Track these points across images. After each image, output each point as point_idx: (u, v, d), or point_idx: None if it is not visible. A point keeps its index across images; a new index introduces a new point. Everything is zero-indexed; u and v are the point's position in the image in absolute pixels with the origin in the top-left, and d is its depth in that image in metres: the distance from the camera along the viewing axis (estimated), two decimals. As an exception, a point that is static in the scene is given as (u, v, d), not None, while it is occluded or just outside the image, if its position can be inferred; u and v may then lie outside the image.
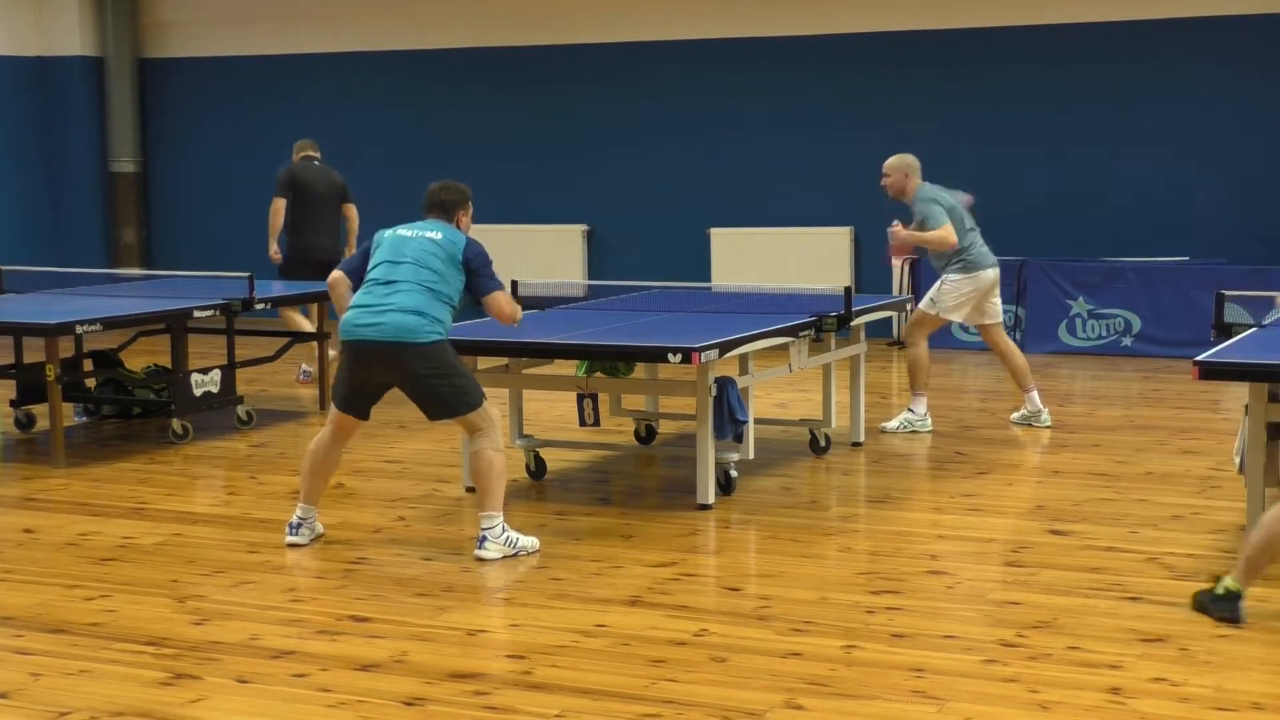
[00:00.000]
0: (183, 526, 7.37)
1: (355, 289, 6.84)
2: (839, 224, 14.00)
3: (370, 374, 6.73)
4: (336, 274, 6.97)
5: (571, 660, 5.31)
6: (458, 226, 6.89)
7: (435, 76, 15.65)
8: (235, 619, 5.85)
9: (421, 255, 6.70)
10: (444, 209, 6.93)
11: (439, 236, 6.77)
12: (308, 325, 11.46)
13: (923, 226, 9.28)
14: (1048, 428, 9.55)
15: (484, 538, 6.64)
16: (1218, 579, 5.74)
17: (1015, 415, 9.75)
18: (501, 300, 6.88)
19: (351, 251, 12.11)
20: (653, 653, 5.36)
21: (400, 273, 6.66)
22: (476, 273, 6.80)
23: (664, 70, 14.81)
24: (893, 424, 9.42)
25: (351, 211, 12.16)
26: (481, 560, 6.58)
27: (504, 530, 6.66)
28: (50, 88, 16.48)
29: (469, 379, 6.74)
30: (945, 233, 9.25)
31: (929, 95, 13.90)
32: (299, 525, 6.90)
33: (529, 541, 6.74)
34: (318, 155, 12.27)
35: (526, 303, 9.89)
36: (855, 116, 14.11)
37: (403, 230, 6.86)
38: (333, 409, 6.90)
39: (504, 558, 6.60)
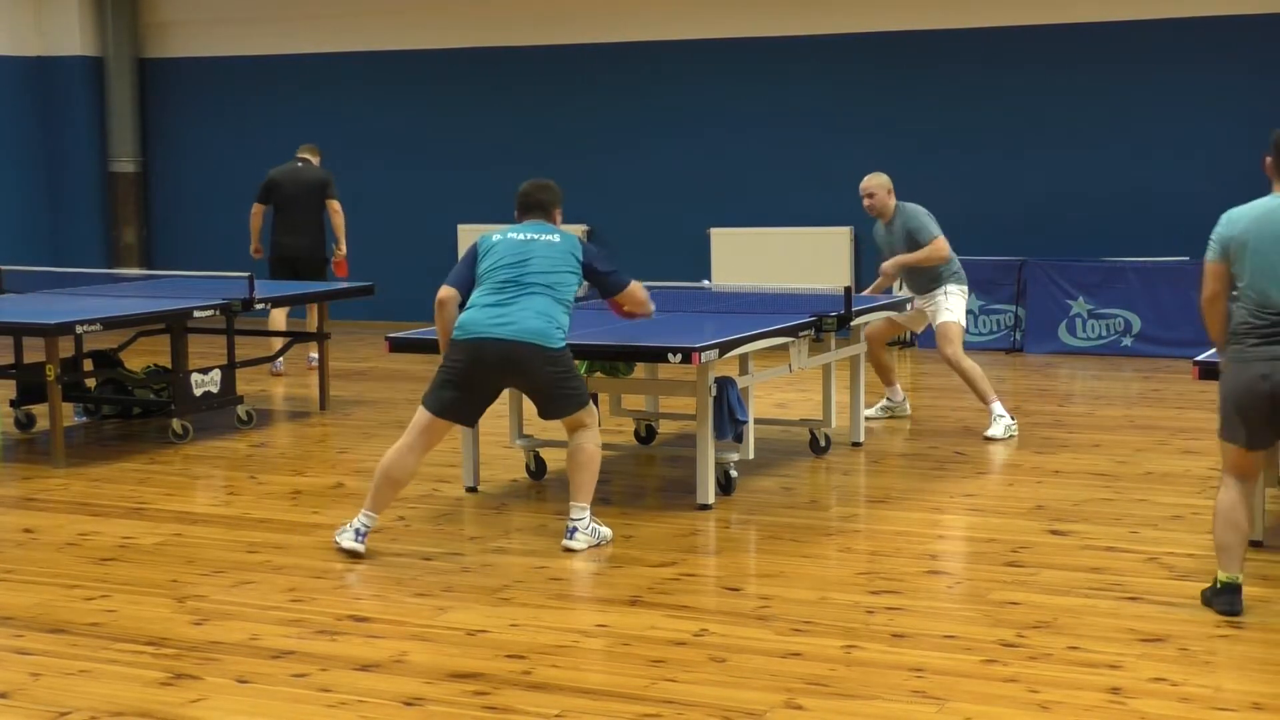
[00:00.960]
0: (183, 526, 7.37)
1: (463, 303, 6.82)
2: (839, 224, 14.00)
3: (492, 374, 6.70)
4: (448, 291, 6.83)
5: (571, 660, 5.31)
6: (554, 223, 6.98)
7: (435, 76, 15.65)
8: (235, 619, 5.85)
9: (546, 260, 6.74)
10: (544, 209, 6.98)
11: (557, 239, 6.83)
12: (283, 326, 11.62)
13: (913, 240, 9.26)
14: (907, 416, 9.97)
15: (574, 529, 6.74)
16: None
17: (875, 409, 9.91)
18: (637, 292, 7.07)
19: (341, 249, 12.23)
20: (653, 653, 5.36)
21: (528, 277, 6.68)
22: (602, 272, 6.93)
23: (664, 70, 14.81)
24: (998, 432, 9.21)
25: (334, 207, 12.23)
26: (570, 550, 6.68)
27: (591, 522, 6.79)
28: (50, 88, 16.49)
29: (581, 381, 6.88)
30: (940, 244, 9.28)
31: (929, 95, 13.90)
32: (364, 533, 6.69)
33: (606, 531, 6.88)
34: (310, 157, 12.45)
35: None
36: (855, 116, 14.11)
37: (514, 234, 6.84)
38: (424, 416, 6.70)
39: (589, 547, 6.73)
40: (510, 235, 6.85)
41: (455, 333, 6.69)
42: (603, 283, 7.03)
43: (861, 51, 14.12)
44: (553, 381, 6.69)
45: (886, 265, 9.40)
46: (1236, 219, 5.82)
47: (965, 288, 9.54)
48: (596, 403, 7.97)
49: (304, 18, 16.16)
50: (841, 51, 14.18)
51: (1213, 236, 5.87)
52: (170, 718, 4.85)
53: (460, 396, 6.72)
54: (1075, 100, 13.44)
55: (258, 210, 12.32)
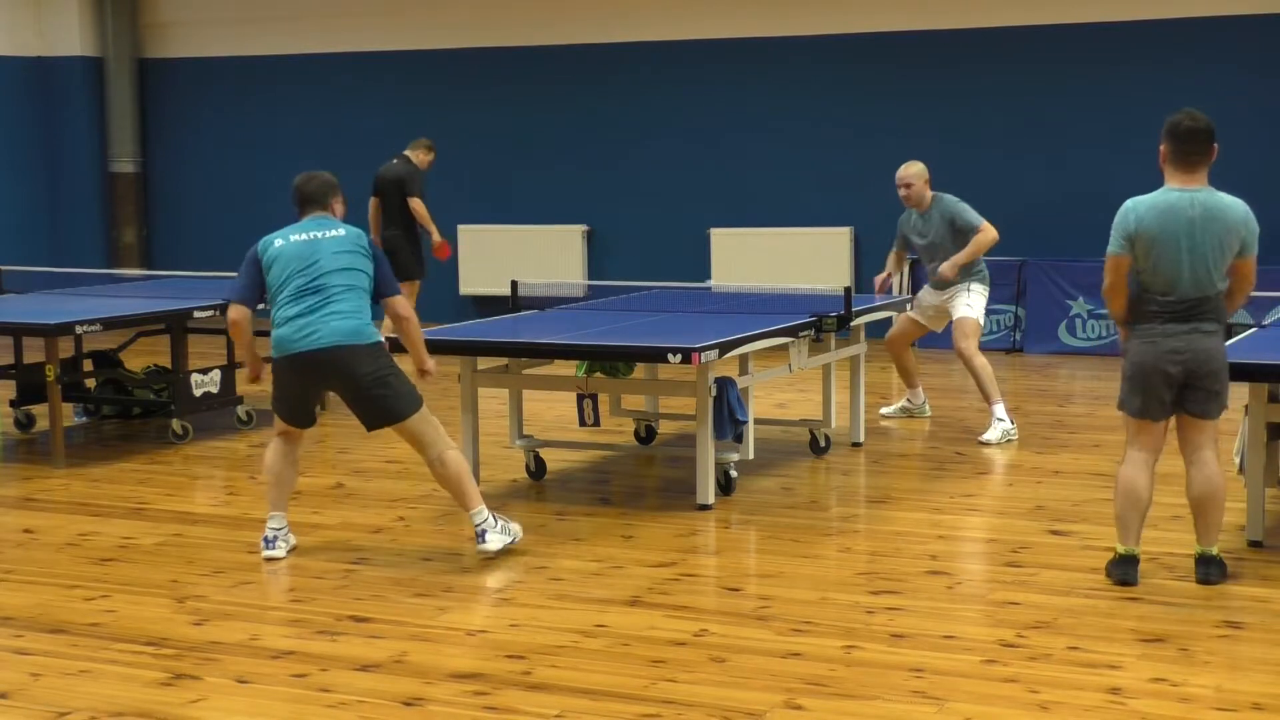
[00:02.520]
0: (183, 526, 7.37)
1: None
2: (839, 224, 14.00)
3: (313, 385, 6.68)
4: (238, 310, 6.72)
5: (571, 660, 5.31)
6: (333, 215, 6.80)
7: (435, 76, 15.65)
8: (235, 619, 5.85)
9: (335, 256, 6.57)
10: (318, 202, 6.79)
11: (342, 233, 6.67)
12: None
13: (954, 230, 9.26)
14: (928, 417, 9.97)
15: (483, 532, 6.60)
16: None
17: (894, 409, 9.93)
18: (405, 305, 6.82)
19: (434, 237, 12.42)
20: (653, 653, 5.36)
21: (322, 279, 6.52)
22: (381, 269, 6.72)
23: (664, 70, 14.81)
24: (993, 436, 9.18)
25: (411, 204, 12.45)
26: (488, 554, 6.58)
27: (495, 518, 6.65)
28: (50, 88, 16.48)
29: (406, 381, 6.63)
30: (989, 228, 9.29)
31: (929, 95, 13.90)
32: (275, 538, 6.73)
33: (517, 526, 6.77)
34: (409, 154, 12.68)
35: (526, 303, 9.87)
36: (856, 116, 14.11)
37: (295, 235, 6.66)
38: (278, 422, 6.76)
39: (505, 546, 6.62)
40: (292, 238, 6.64)
41: (273, 352, 6.58)
42: (379, 279, 6.71)
43: (862, 51, 14.11)
44: (371, 381, 6.48)
45: (945, 268, 9.27)
46: (1142, 213, 5.97)
47: (988, 289, 9.56)
48: (597, 403, 7.97)
49: (304, 18, 16.16)
50: (841, 51, 14.17)
51: (1114, 229, 6.03)
52: (170, 718, 4.85)
53: (295, 408, 6.68)
54: (1075, 100, 13.44)
55: (371, 204, 12.65)
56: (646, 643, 5.48)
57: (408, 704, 4.91)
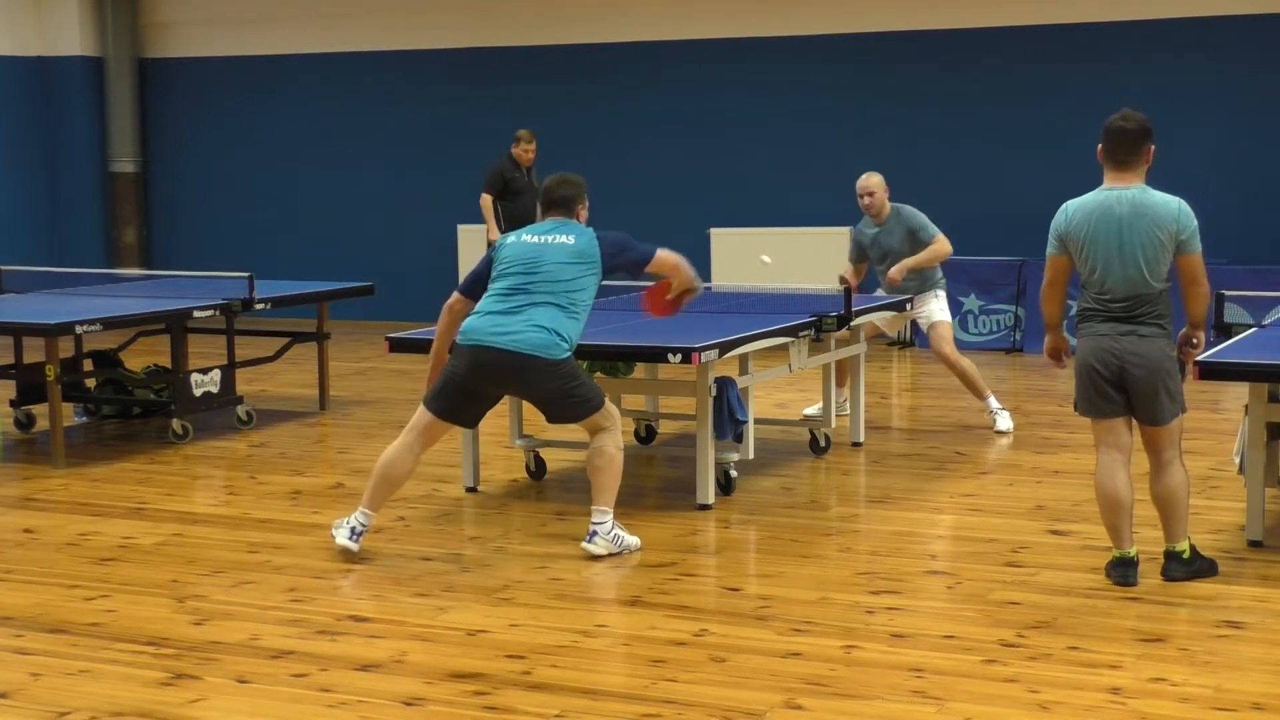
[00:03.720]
0: (183, 526, 7.37)
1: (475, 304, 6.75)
2: (839, 224, 13.98)
3: (490, 383, 6.62)
4: (457, 299, 6.78)
5: (571, 660, 5.31)
6: (579, 221, 6.83)
7: (435, 76, 15.65)
8: (235, 619, 5.85)
9: (556, 265, 6.59)
10: (565, 205, 6.83)
11: (571, 240, 6.66)
12: None
13: (913, 239, 9.29)
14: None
15: (594, 532, 6.62)
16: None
17: (815, 409, 9.69)
18: (668, 258, 6.92)
19: (494, 235, 12.36)
20: (653, 653, 5.36)
21: (535, 285, 6.55)
22: (625, 257, 6.76)
23: (664, 70, 14.82)
24: (1007, 425, 9.35)
25: (482, 199, 12.72)
26: (589, 554, 6.58)
27: (613, 527, 6.65)
28: (50, 88, 16.49)
29: (589, 385, 6.69)
30: (944, 240, 9.41)
31: (929, 95, 13.90)
32: (360, 532, 6.64)
33: (633, 541, 6.71)
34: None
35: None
36: (856, 116, 14.11)
37: (529, 236, 6.72)
38: (424, 415, 6.66)
39: (609, 555, 6.60)
40: (525, 238, 6.73)
41: (459, 337, 6.62)
42: (630, 265, 6.83)
43: (862, 51, 14.12)
44: (556, 393, 6.58)
45: (894, 272, 9.31)
46: (1072, 214, 6.09)
47: (946, 294, 9.73)
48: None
49: (304, 18, 16.16)
50: (842, 51, 14.18)
51: (1051, 231, 6.16)
52: (170, 718, 4.85)
53: (460, 401, 6.67)
54: (1075, 100, 13.43)
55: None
56: (646, 643, 5.48)
57: (408, 704, 4.91)
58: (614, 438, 6.71)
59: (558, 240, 6.68)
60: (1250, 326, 7.83)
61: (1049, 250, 6.18)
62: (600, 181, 14.85)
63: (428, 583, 6.31)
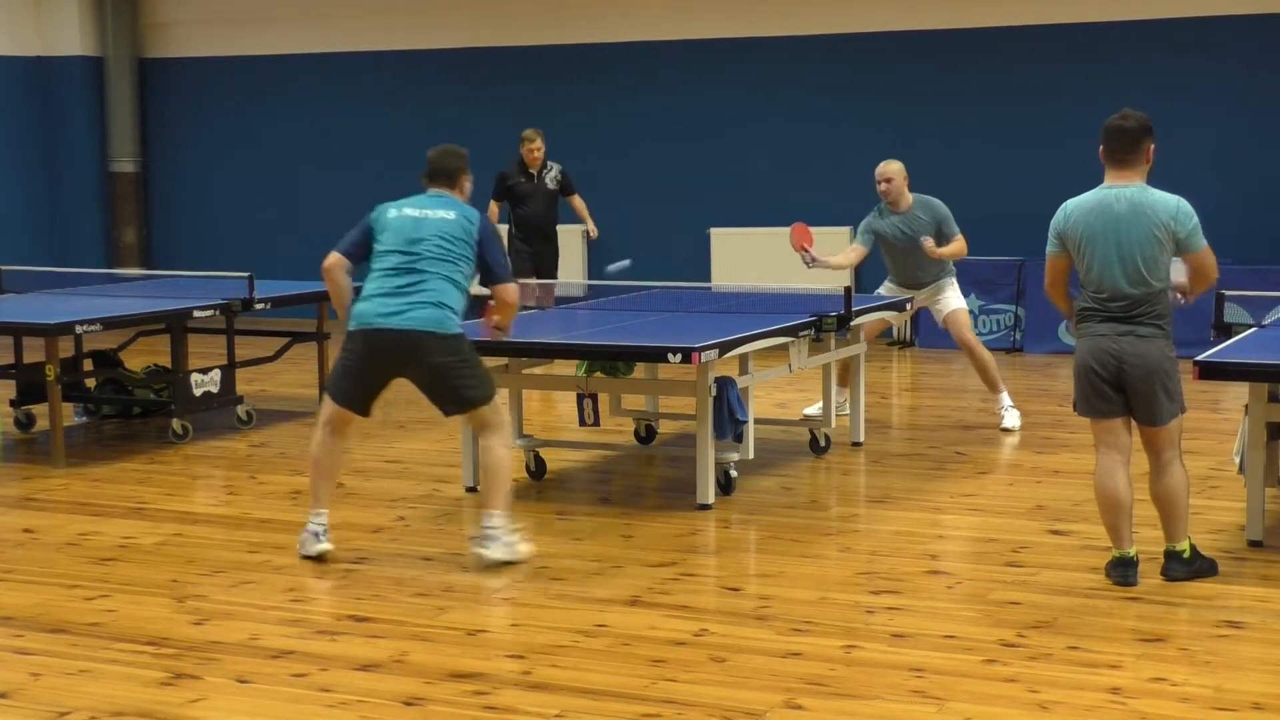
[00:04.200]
0: (183, 526, 7.37)
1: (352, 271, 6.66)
2: (839, 224, 13.98)
3: (386, 366, 6.55)
4: (334, 258, 6.64)
5: (571, 660, 5.31)
6: (460, 194, 6.72)
7: (435, 76, 15.65)
8: (235, 619, 5.85)
9: (440, 242, 6.49)
10: (449, 177, 6.72)
11: (453, 216, 6.56)
12: None
13: (940, 231, 9.33)
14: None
15: (486, 537, 6.52)
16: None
17: (815, 408, 9.62)
18: (513, 291, 6.73)
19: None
20: (653, 653, 5.36)
21: (420, 261, 6.45)
22: (489, 255, 6.62)
23: (664, 70, 14.81)
24: (1015, 423, 9.36)
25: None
26: (483, 558, 6.51)
27: (508, 531, 6.57)
28: (50, 88, 16.48)
29: (483, 375, 6.60)
30: (964, 242, 9.52)
31: (929, 95, 13.90)
32: (320, 534, 6.64)
33: (526, 548, 6.61)
34: None
35: (527, 304, 9.89)
36: (856, 116, 14.11)
37: (409, 209, 6.60)
38: (329, 406, 6.65)
39: (504, 560, 6.51)
40: (406, 211, 6.58)
41: (350, 323, 6.53)
42: (487, 269, 6.64)
43: (862, 51, 14.12)
44: (446, 371, 6.43)
45: (932, 246, 9.31)
46: (1071, 212, 6.10)
47: (956, 280, 9.79)
48: (597, 403, 7.97)
49: (304, 18, 16.16)
50: (842, 51, 14.17)
51: (1050, 230, 6.17)
52: (170, 718, 4.85)
53: (356, 386, 6.58)
54: (1075, 100, 13.42)
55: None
56: (647, 642, 5.48)
57: (408, 704, 4.91)
58: (504, 438, 6.59)
59: (438, 214, 6.56)
60: (1250, 326, 7.83)
61: (1048, 249, 6.19)
62: (600, 181, 14.94)
63: (428, 583, 6.31)
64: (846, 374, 9.59)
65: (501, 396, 8.52)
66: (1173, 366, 6.03)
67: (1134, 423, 6.09)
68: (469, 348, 6.55)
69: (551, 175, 12.40)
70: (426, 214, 6.57)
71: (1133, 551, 6.07)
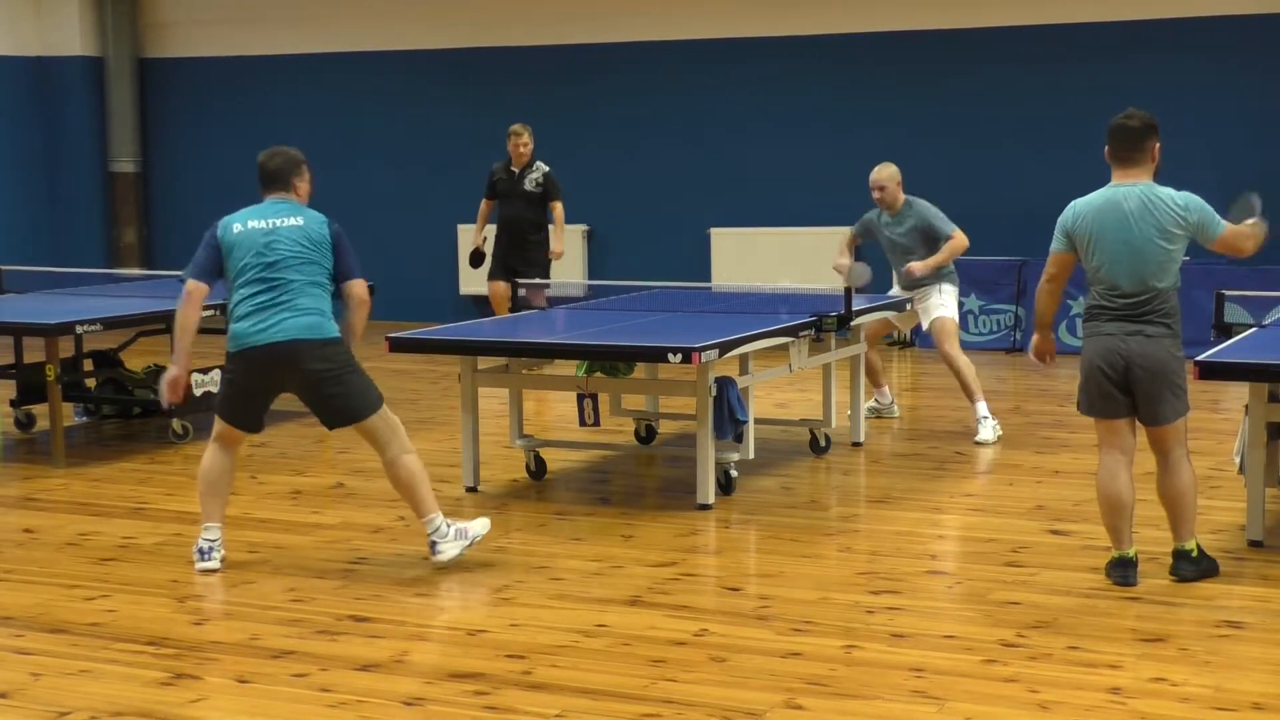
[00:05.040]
0: (183, 526, 7.36)
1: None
2: (839, 224, 13.97)
3: (267, 382, 6.43)
4: (196, 286, 6.48)
5: (571, 660, 5.31)
6: (297, 196, 6.58)
7: (435, 76, 15.65)
8: (235, 619, 5.85)
9: (296, 249, 6.37)
10: (281, 180, 6.57)
11: (301, 222, 6.44)
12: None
13: (928, 236, 9.28)
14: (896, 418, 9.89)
15: (434, 543, 6.44)
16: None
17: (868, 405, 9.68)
18: (363, 287, 6.56)
19: (476, 239, 11.98)
20: (653, 653, 5.36)
21: (280, 274, 6.34)
22: (344, 254, 6.48)
23: (664, 70, 14.81)
24: (988, 436, 9.18)
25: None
26: (442, 564, 6.44)
27: (449, 526, 6.47)
28: (50, 88, 16.48)
29: (366, 381, 6.43)
30: (962, 236, 9.37)
31: (929, 95, 13.90)
32: (211, 549, 6.52)
33: (478, 524, 6.55)
34: None
35: (527, 303, 9.89)
36: (855, 116, 14.11)
37: (254, 221, 6.45)
38: (219, 424, 6.52)
39: (462, 551, 6.47)
40: (250, 223, 6.43)
41: (228, 344, 6.43)
42: (341, 269, 6.48)
43: (862, 51, 14.12)
44: (323, 379, 6.31)
45: (917, 267, 9.26)
46: (1080, 211, 6.11)
47: (957, 288, 9.67)
48: (597, 403, 7.97)
49: (304, 18, 16.16)
50: (842, 51, 14.17)
51: (1057, 227, 6.17)
52: (170, 718, 4.85)
53: (244, 406, 6.50)
54: (1075, 100, 13.43)
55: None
56: (647, 642, 5.48)
57: (408, 704, 4.91)
58: (401, 444, 6.43)
59: (287, 223, 6.42)
60: (1250, 326, 7.83)
61: (1054, 246, 6.18)
62: (601, 182, 14.93)
63: (428, 583, 6.30)
64: (876, 374, 9.64)
65: (501, 396, 8.55)
66: (1180, 366, 6.04)
67: (1138, 423, 6.09)
68: (346, 354, 6.40)
69: (533, 177, 11.90)
70: (274, 224, 6.45)
71: (1132, 552, 6.08)
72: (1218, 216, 6.06)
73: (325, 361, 6.32)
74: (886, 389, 9.98)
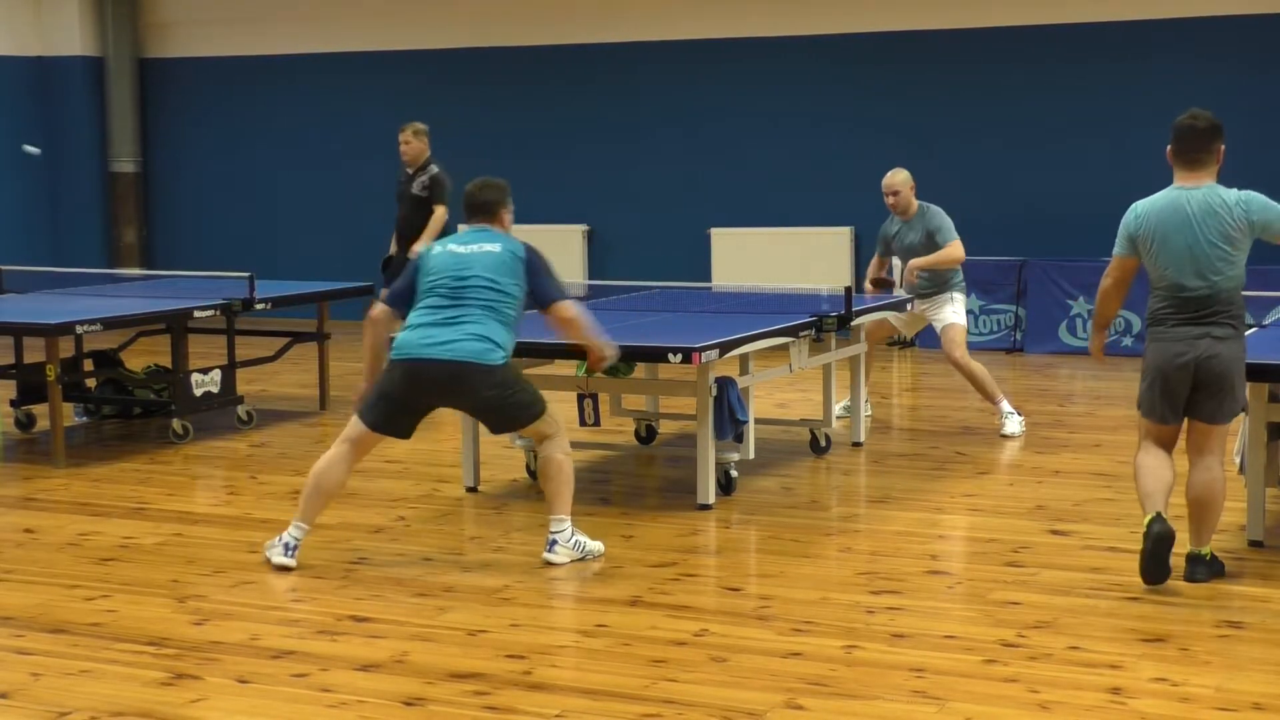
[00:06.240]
0: (183, 526, 7.37)
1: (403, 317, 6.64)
2: (839, 224, 14.00)
3: (426, 395, 6.51)
4: (380, 309, 6.69)
5: (571, 660, 5.32)
6: (501, 226, 6.72)
7: (435, 76, 15.65)
8: (235, 619, 5.85)
9: (484, 274, 6.46)
10: (487, 211, 6.73)
11: (497, 249, 6.54)
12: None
13: (931, 240, 9.30)
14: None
15: (554, 541, 6.53)
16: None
17: (839, 408, 9.50)
18: (567, 309, 6.59)
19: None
20: (653, 653, 5.36)
21: (465, 294, 6.43)
22: (538, 280, 6.56)
23: (664, 70, 14.81)
24: (1015, 429, 9.30)
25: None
26: (550, 564, 6.50)
27: (573, 534, 6.57)
28: (50, 88, 16.48)
29: (529, 391, 6.56)
30: (958, 246, 9.38)
31: (929, 95, 13.90)
32: (295, 547, 6.54)
33: (595, 546, 6.63)
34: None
35: (526, 303, 9.82)
36: (855, 116, 14.11)
37: (454, 246, 6.60)
38: (358, 427, 6.55)
39: (571, 561, 6.53)
40: (450, 247, 6.60)
41: (392, 352, 6.50)
42: (538, 292, 6.58)
43: (861, 51, 14.12)
44: (495, 401, 6.45)
45: (915, 263, 9.31)
46: (1143, 214, 6.05)
47: (965, 297, 9.66)
48: (597, 403, 7.97)
49: (304, 18, 16.16)
50: (841, 51, 14.17)
51: (1120, 230, 6.11)
52: (170, 718, 4.85)
53: (395, 413, 6.53)
54: (1075, 100, 13.44)
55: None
56: (647, 643, 5.48)
57: (408, 704, 4.91)
58: (560, 444, 6.58)
59: (483, 249, 6.55)
60: (1250, 326, 7.83)
61: (1117, 250, 6.11)
62: (600, 181, 14.93)
63: (428, 583, 6.31)
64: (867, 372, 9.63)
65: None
66: (1243, 367, 6.01)
67: (1180, 427, 6.06)
68: (512, 374, 6.53)
69: (421, 180, 11.15)
70: (471, 249, 6.57)
71: (1166, 514, 5.90)
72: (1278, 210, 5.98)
73: (493, 388, 6.41)
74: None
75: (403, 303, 6.66)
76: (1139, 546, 6.08)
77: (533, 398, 6.56)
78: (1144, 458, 6.08)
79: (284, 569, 6.51)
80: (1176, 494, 6.13)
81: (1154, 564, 5.91)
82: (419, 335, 6.43)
